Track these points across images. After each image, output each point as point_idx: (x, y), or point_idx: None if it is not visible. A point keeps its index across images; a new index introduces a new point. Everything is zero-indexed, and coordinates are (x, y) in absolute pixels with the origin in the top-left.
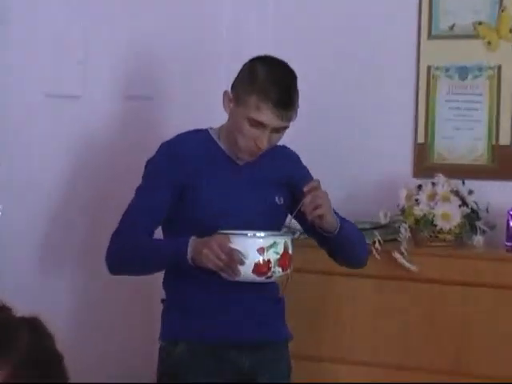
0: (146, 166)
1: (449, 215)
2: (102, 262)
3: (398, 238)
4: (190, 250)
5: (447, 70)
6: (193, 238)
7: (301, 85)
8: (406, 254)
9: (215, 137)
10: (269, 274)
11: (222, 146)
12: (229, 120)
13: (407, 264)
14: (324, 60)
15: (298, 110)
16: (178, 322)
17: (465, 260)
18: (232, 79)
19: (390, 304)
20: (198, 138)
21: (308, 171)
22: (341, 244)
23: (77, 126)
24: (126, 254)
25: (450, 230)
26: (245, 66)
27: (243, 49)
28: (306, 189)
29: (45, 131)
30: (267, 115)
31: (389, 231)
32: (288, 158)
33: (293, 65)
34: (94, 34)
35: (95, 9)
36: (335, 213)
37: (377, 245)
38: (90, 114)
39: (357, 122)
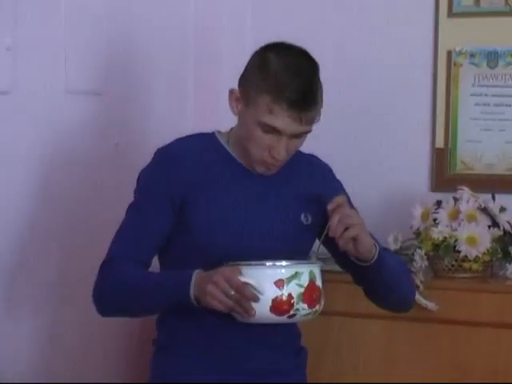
0: (138, 179)
1: (475, 239)
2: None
3: (412, 268)
4: (193, 287)
5: (472, 55)
6: (197, 271)
7: None
8: (422, 287)
9: (223, 142)
10: (291, 312)
11: (233, 152)
12: (238, 124)
13: (424, 301)
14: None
15: None
16: (172, 368)
17: (496, 295)
18: (205, 72)
19: (403, 350)
20: (202, 143)
21: (342, 186)
22: (381, 278)
23: (5, 127)
24: (116, 293)
25: (478, 257)
26: (254, 55)
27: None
28: (330, 207)
29: None
30: (282, 119)
31: None
32: (317, 169)
33: None
34: (26, 13)
35: None
36: (372, 237)
37: None
38: (21, 111)
39: (358, 121)
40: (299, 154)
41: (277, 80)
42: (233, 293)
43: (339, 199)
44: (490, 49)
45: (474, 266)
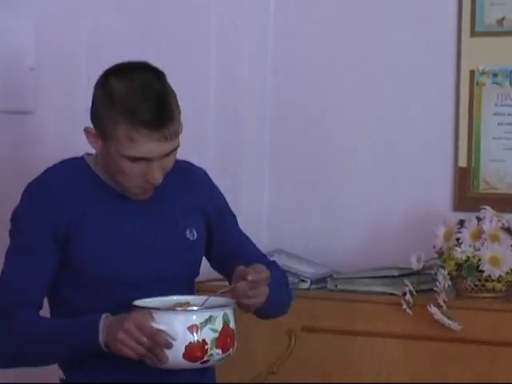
0: (12, 218)
1: (499, 259)
2: None
3: (435, 288)
4: (102, 333)
5: (495, 74)
6: (104, 315)
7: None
8: (445, 307)
9: (92, 165)
10: (205, 358)
11: (102, 176)
12: (103, 157)
13: (447, 320)
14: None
15: None
16: None
17: None
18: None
19: (425, 371)
20: (72, 169)
21: (219, 193)
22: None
23: (30, 147)
24: (7, 347)
25: (501, 277)
26: (96, 87)
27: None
28: (250, 278)
29: None
30: (146, 145)
31: (423, 279)
32: (193, 177)
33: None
34: (47, 37)
35: None
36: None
37: (408, 296)
38: (44, 131)
39: (380, 142)
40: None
41: (126, 106)
42: (145, 340)
43: (264, 275)
44: None
45: (497, 286)
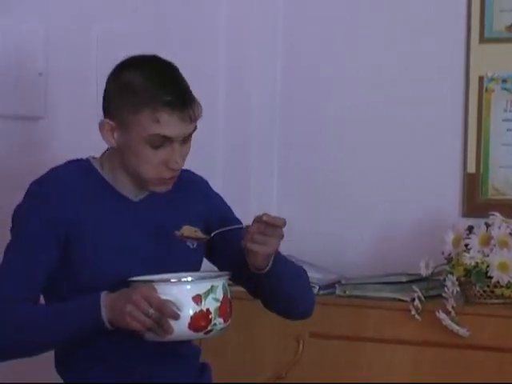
0: (13, 216)
1: (507, 265)
2: None
3: (444, 294)
4: (104, 310)
5: (504, 81)
6: (104, 292)
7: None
8: (453, 313)
9: (98, 167)
10: (208, 327)
11: (108, 178)
12: (120, 155)
13: (455, 327)
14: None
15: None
16: None
17: None
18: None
19: (433, 377)
20: (78, 171)
21: (222, 202)
22: (279, 284)
23: (38, 152)
24: (6, 337)
25: (510, 283)
26: (110, 81)
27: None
28: (265, 218)
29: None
30: (171, 124)
31: (432, 285)
32: (195, 186)
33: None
34: (56, 42)
35: None
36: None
37: (416, 302)
38: (54, 137)
39: (389, 148)
40: None
41: (148, 91)
42: (153, 311)
43: (280, 220)
44: None
45: (506, 292)
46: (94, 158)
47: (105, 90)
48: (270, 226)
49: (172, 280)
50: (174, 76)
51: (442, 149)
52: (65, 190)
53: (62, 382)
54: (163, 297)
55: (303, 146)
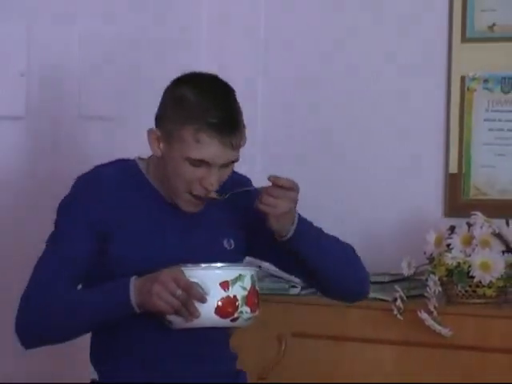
0: (58, 209)
1: (489, 264)
2: None
3: (426, 294)
4: (133, 292)
5: (486, 80)
6: (134, 277)
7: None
8: (435, 313)
9: (144, 169)
10: (235, 314)
11: (153, 180)
12: (162, 162)
13: (437, 326)
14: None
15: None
16: None
17: (510, 321)
18: None
19: (415, 376)
20: (122, 170)
21: None
22: (311, 252)
23: (19, 152)
24: (42, 319)
25: (491, 283)
26: (166, 92)
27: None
28: (272, 179)
29: None
30: (211, 147)
31: (414, 285)
32: (238, 185)
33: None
34: (39, 41)
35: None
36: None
37: (398, 302)
38: (35, 136)
39: (371, 147)
40: None
41: (197, 109)
42: (180, 292)
43: (291, 182)
44: (504, 74)
45: (488, 292)
46: (140, 158)
47: (161, 101)
48: (280, 188)
49: (198, 266)
50: (226, 99)
51: (424, 148)
52: (107, 187)
53: (95, 378)
54: (194, 279)
55: (284, 147)
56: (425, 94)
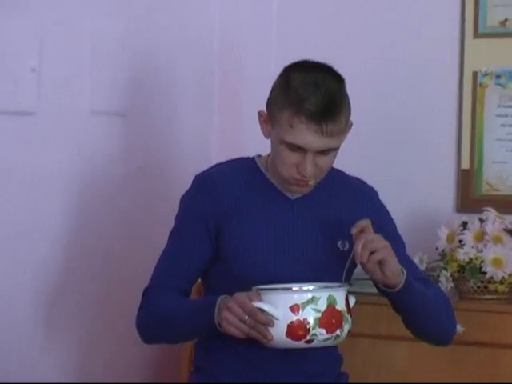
0: (179, 204)
1: (501, 260)
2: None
3: None
4: (217, 313)
5: (498, 76)
6: (222, 297)
7: None
8: None
9: (262, 167)
10: (307, 337)
11: (271, 177)
12: (271, 145)
13: None
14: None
15: None
16: None
17: None
18: (230, 90)
19: (427, 373)
20: (240, 169)
21: (388, 213)
22: (412, 305)
23: (31, 148)
24: (155, 323)
25: (504, 278)
26: (279, 76)
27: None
28: (353, 231)
29: None
30: (302, 133)
31: None
32: (362, 194)
33: None
34: (50, 37)
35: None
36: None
37: None
38: (46, 132)
39: (383, 143)
40: (343, 176)
41: (296, 94)
42: (246, 317)
43: (363, 223)
44: None
45: (500, 288)
46: (260, 156)
47: (273, 83)
48: (364, 236)
49: (278, 288)
50: (330, 89)
51: (436, 144)
52: (224, 186)
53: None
54: (261, 304)
55: None
56: (437, 89)
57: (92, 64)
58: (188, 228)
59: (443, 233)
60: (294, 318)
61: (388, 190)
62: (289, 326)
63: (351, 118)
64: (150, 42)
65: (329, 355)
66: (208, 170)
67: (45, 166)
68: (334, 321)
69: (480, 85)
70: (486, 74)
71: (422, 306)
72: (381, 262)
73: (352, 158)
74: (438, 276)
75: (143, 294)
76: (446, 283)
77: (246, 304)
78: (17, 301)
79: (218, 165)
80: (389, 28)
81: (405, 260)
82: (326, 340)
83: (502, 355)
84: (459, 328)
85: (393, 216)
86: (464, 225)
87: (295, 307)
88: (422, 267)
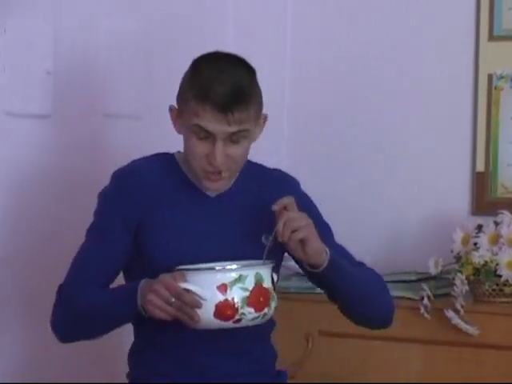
0: (98, 200)
1: None
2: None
3: (453, 293)
4: (139, 297)
5: None
6: (143, 280)
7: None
8: (462, 312)
9: (182, 163)
10: (236, 317)
11: (187, 171)
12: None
13: (464, 325)
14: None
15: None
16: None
17: None
18: None
19: (442, 375)
20: (158, 164)
21: (312, 204)
22: (342, 286)
23: (45, 151)
24: (70, 316)
25: None
26: (188, 67)
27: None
28: (275, 207)
29: (7, 157)
30: (208, 120)
31: (441, 284)
32: (284, 185)
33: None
34: (65, 39)
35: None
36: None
37: (425, 301)
38: (60, 135)
39: (398, 147)
40: (262, 169)
41: (201, 84)
42: (173, 299)
43: (285, 200)
44: None
45: None
46: (180, 152)
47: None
48: (286, 214)
49: (203, 267)
50: (236, 78)
51: (451, 147)
52: (141, 182)
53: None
54: (188, 285)
55: (311, 151)
56: (452, 92)
57: (106, 67)
58: (106, 224)
59: (458, 236)
60: (222, 297)
61: (404, 192)
62: (217, 306)
63: (265, 111)
64: (166, 43)
65: (265, 351)
66: (126, 167)
67: (59, 169)
68: (261, 299)
69: (495, 87)
70: (501, 77)
71: (351, 285)
72: (302, 241)
73: (365, 162)
74: (453, 279)
75: (58, 292)
76: (461, 286)
77: (172, 285)
78: None
79: (136, 160)
80: (404, 30)
81: (335, 246)
82: (254, 319)
83: None
84: (474, 331)
85: (408, 218)
86: (479, 228)
87: (222, 287)
88: (437, 270)
